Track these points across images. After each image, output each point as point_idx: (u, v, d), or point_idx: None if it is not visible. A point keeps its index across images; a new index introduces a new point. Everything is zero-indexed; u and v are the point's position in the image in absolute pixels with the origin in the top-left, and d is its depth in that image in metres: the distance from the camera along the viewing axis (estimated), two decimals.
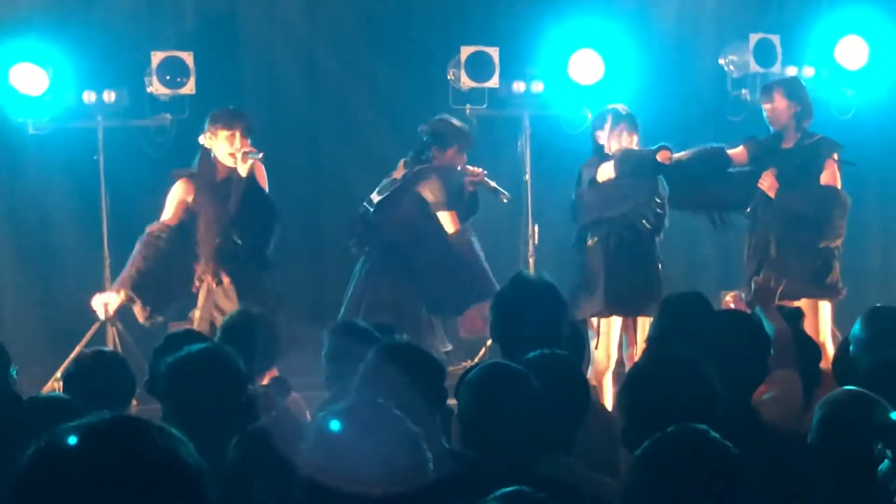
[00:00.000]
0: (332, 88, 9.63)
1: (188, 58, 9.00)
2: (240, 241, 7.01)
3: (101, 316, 7.44)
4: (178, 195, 7.12)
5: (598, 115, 7.75)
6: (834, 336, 7.70)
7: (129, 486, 1.74)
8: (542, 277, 4.61)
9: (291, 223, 9.04)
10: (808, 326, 6.83)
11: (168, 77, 8.95)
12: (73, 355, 8.74)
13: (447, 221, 7.46)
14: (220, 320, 6.80)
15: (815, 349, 5.14)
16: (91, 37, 9.20)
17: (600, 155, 7.59)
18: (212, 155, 7.09)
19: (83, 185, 7.94)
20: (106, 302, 7.20)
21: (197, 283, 7.05)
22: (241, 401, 3.76)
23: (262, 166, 7.21)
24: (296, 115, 9.89)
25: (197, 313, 7.08)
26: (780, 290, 5.23)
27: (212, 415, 3.59)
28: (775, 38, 9.80)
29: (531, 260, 9.62)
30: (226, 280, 7.01)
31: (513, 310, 4.44)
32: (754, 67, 9.76)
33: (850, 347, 4.60)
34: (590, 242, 7.54)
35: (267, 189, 7.21)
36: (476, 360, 9.28)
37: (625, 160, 7.40)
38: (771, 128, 7.85)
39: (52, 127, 9.02)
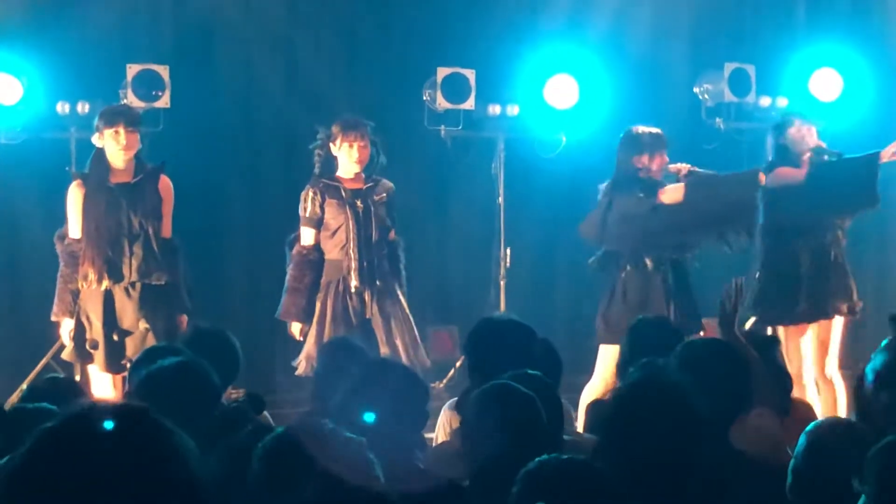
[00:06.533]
0: (308, 106, 9.60)
1: (164, 71, 8.97)
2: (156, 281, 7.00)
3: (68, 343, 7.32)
4: (77, 205, 7.07)
5: (631, 140, 7.65)
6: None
7: (128, 472, 1.76)
8: (508, 316, 4.67)
9: (266, 239, 9.02)
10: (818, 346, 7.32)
11: (143, 90, 8.92)
12: (39, 367, 8.69)
13: None
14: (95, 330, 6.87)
15: (786, 379, 5.14)
16: (66, 48, 9.15)
17: (636, 179, 7.54)
18: (104, 155, 7.06)
19: (55, 196, 7.87)
20: (69, 331, 7.12)
21: (81, 285, 7.00)
22: (215, 415, 3.73)
23: (169, 182, 7.16)
24: (271, 131, 9.87)
25: (65, 317, 7.04)
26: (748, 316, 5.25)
27: (185, 428, 3.55)
28: (750, 68, 9.87)
29: (502, 283, 9.62)
30: (119, 293, 6.98)
31: (487, 349, 4.48)
32: (729, 96, 9.82)
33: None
34: (650, 264, 7.48)
35: (171, 206, 7.12)
36: (445, 381, 9.27)
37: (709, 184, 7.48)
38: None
39: (24, 137, 8.96)
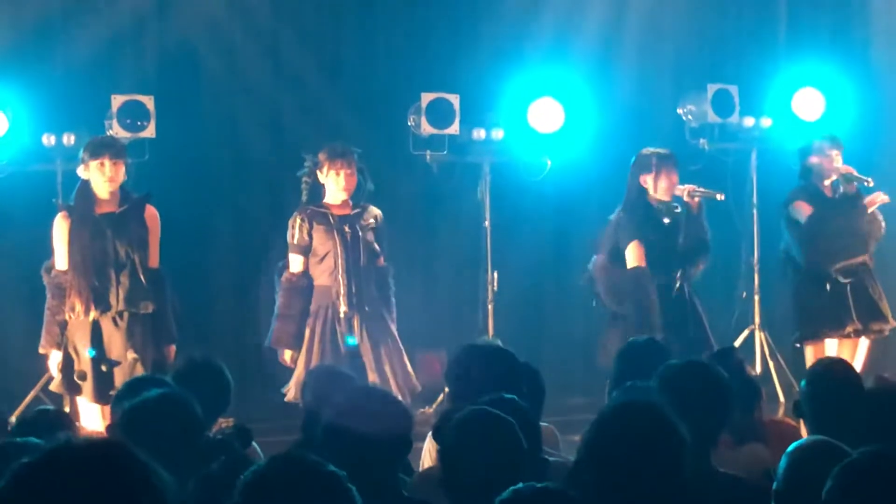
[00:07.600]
0: (292, 132, 9.64)
1: (149, 101, 8.98)
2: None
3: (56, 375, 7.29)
4: (63, 236, 7.06)
5: (640, 160, 7.75)
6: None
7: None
8: (491, 343, 4.68)
9: (253, 267, 9.02)
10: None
11: (128, 120, 8.92)
12: (28, 399, 8.67)
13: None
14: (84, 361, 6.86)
15: (754, 385, 5.06)
16: (51, 79, 9.18)
17: (643, 202, 7.63)
18: (90, 187, 7.07)
19: (41, 228, 7.89)
20: (58, 362, 7.10)
21: (69, 316, 6.98)
22: (199, 446, 3.73)
23: (155, 212, 7.16)
24: (257, 159, 9.89)
25: (53, 349, 7.01)
26: None
27: (168, 460, 3.55)
28: (733, 89, 9.91)
29: (490, 306, 9.62)
30: (105, 321, 6.96)
31: (469, 377, 4.49)
32: (712, 117, 9.86)
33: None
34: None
35: (158, 236, 7.13)
36: (434, 406, 9.26)
37: None
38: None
39: (10, 169, 8.97)
